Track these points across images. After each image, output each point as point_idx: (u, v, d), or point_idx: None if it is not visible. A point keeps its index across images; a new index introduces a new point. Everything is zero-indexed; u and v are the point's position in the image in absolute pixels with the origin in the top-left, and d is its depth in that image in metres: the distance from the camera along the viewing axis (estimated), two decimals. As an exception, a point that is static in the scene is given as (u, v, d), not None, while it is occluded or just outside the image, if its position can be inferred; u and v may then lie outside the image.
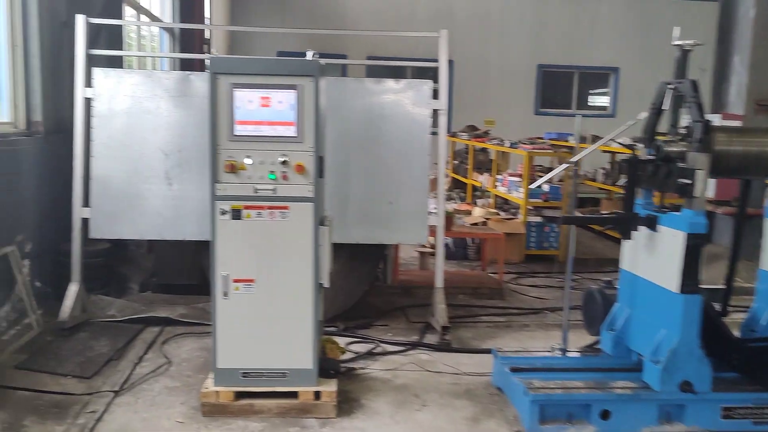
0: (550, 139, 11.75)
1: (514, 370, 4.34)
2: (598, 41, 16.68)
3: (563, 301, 4.99)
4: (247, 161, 4.47)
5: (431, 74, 6.13)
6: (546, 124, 15.34)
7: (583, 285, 6.90)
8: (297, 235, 4.49)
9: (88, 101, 5.76)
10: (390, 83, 6.07)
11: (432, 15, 15.73)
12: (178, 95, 5.98)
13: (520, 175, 9.64)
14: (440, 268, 6.10)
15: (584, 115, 5.59)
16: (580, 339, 5.15)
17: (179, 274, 6.79)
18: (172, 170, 5.90)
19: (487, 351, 4.97)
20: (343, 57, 13.90)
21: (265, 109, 4.43)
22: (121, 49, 8.01)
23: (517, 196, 9.37)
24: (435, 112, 5.97)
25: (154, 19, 10.26)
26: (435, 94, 5.76)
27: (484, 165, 12.15)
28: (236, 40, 15.74)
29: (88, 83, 5.82)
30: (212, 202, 4.46)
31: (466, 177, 12.11)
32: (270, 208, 4.48)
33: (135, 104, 5.96)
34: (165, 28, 11.19)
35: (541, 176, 8.07)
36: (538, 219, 8.88)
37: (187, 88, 5.95)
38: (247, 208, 4.48)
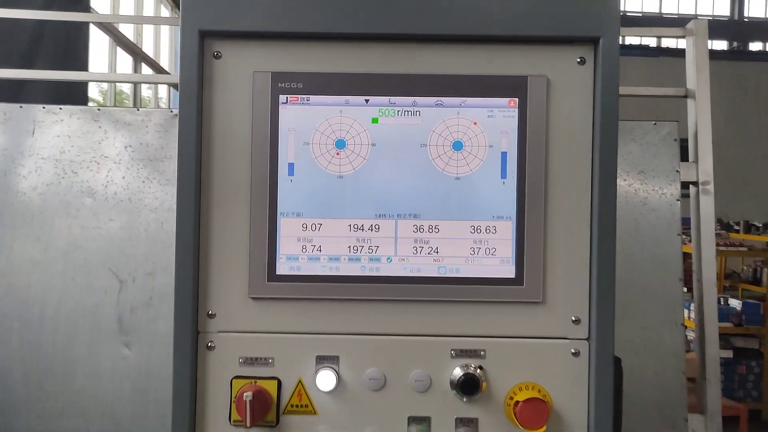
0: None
1: None
2: None
3: None
4: (323, 385, 0.92)
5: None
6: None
7: None
8: None
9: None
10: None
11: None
12: (154, 158, 2.54)
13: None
14: None
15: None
16: None
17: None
18: (133, 315, 2.36)
19: None
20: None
21: (402, 178, 1.08)
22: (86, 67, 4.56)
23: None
24: (689, 188, 2.72)
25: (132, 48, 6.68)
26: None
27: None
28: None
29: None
30: None
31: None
32: None
33: (58, 176, 2.56)
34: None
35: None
36: (728, 354, 5.23)
37: (170, 137, 2.53)
38: None
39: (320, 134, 1.07)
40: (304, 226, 1.07)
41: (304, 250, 1.07)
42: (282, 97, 1.06)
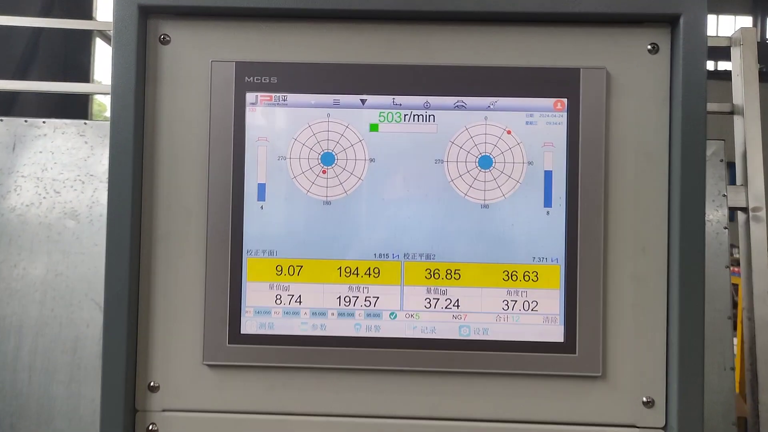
0: None
1: None
2: None
3: None
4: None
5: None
6: None
7: None
8: None
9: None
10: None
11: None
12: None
13: None
14: None
15: None
16: None
17: None
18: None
19: None
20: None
21: (411, 205, 0.77)
22: (87, 79, 4.37)
23: None
24: (738, 215, 2.28)
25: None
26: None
27: None
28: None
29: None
30: None
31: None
32: None
33: (39, 196, 2.37)
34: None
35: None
36: None
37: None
38: None
39: (301, 146, 0.79)
40: (279, 268, 0.79)
41: (278, 302, 0.79)
42: (250, 96, 0.79)
